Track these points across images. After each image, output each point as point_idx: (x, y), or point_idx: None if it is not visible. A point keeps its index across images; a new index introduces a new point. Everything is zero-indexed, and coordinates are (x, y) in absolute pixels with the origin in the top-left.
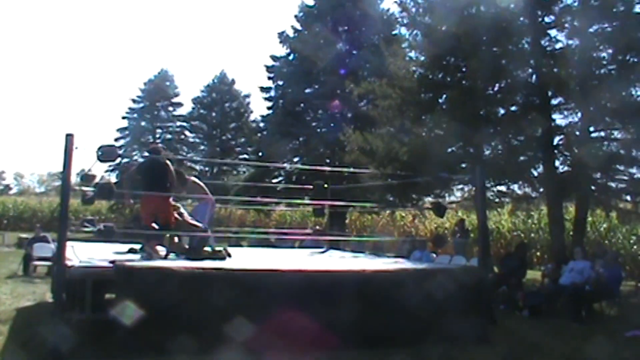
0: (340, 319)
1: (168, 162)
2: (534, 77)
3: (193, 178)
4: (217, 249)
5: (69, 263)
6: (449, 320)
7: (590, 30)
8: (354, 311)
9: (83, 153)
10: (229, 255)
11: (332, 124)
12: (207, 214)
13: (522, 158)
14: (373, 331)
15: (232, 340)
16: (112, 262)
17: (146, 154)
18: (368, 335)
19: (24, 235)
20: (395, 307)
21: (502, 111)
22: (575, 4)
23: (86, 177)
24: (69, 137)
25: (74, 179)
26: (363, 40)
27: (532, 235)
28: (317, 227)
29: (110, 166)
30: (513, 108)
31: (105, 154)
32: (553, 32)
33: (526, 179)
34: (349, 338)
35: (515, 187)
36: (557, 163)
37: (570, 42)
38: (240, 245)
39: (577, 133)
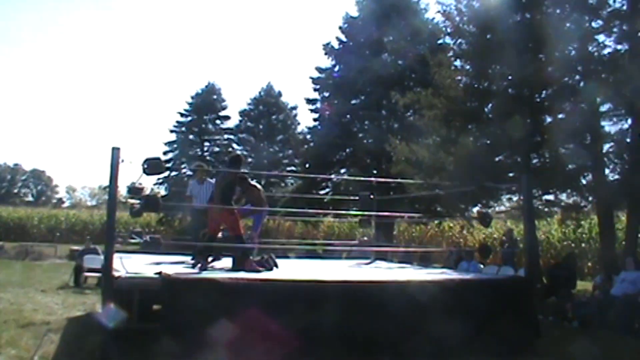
0: (384, 329)
1: (243, 175)
2: (581, 83)
3: (256, 185)
4: (256, 258)
5: (116, 274)
6: (494, 331)
7: None
8: (397, 321)
9: (130, 166)
10: (276, 266)
11: (378, 135)
12: (260, 224)
13: (570, 166)
14: (418, 341)
15: (276, 349)
16: (157, 273)
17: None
18: (412, 345)
19: (75, 247)
20: (441, 317)
21: (549, 119)
22: (624, 7)
23: (133, 190)
24: (116, 151)
25: (122, 191)
26: (408, 50)
27: (583, 245)
28: (365, 238)
29: (159, 179)
30: (561, 116)
31: (151, 167)
32: (601, 37)
33: (575, 187)
34: (393, 348)
35: (563, 196)
36: (606, 171)
37: (619, 47)
38: (287, 257)
39: (628, 140)
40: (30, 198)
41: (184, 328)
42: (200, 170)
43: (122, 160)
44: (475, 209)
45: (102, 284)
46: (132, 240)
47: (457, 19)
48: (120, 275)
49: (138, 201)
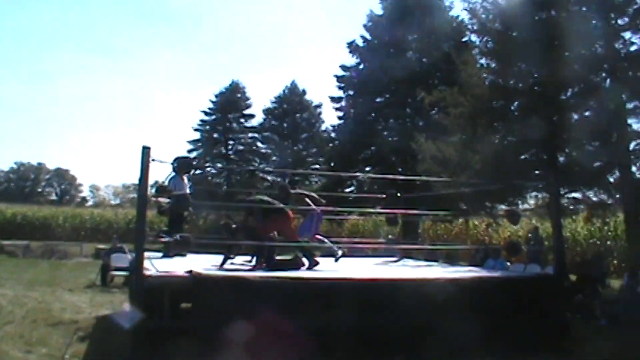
0: (413, 326)
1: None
2: (607, 81)
3: (299, 190)
4: (287, 258)
5: (146, 272)
6: (523, 329)
7: None
8: (424, 319)
9: (157, 165)
10: (311, 264)
11: (403, 133)
12: (312, 227)
13: (597, 164)
14: (444, 338)
15: (307, 347)
16: (188, 271)
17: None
18: (438, 342)
19: (101, 246)
20: (471, 315)
21: (575, 117)
22: None
23: (161, 189)
24: (146, 150)
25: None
26: (433, 48)
27: (609, 242)
28: (390, 237)
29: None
30: (587, 113)
31: (181, 165)
32: (627, 35)
33: (602, 185)
34: (422, 344)
35: (590, 193)
36: (633, 168)
37: None
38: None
39: None
40: (54, 197)
41: (214, 326)
42: (183, 165)
43: (153, 160)
44: (501, 207)
45: (130, 282)
46: (162, 239)
47: (483, 16)
48: (150, 274)
49: (167, 200)
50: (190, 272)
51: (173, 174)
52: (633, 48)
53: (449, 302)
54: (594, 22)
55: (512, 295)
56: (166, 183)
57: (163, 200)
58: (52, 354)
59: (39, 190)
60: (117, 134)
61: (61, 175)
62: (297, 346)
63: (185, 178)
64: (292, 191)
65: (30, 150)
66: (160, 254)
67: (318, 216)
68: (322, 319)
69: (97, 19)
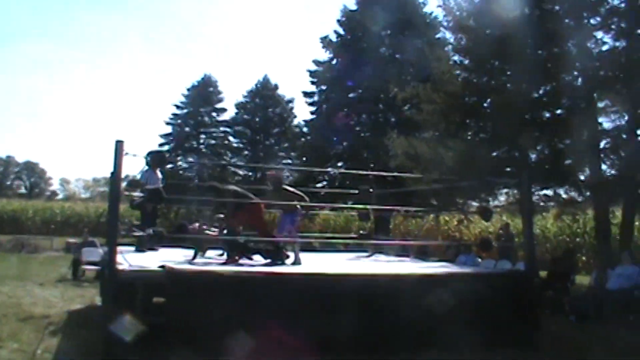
0: (385, 321)
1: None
2: (579, 80)
3: (290, 188)
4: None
5: (119, 267)
6: (494, 324)
7: (638, 31)
8: (397, 314)
9: (130, 158)
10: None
11: (376, 129)
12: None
13: (567, 162)
14: (415, 332)
15: (281, 342)
16: (162, 266)
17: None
18: (409, 340)
19: (72, 240)
20: (442, 310)
21: (547, 115)
22: (622, 5)
23: (133, 183)
24: (119, 144)
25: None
26: (406, 44)
27: (578, 239)
28: (362, 232)
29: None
30: (559, 111)
31: (154, 159)
32: (599, 34)
33: (572, 182)
34: (394, 339)
35: (561, 191)
36: (603, 167)
37: (617, 43)
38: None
39: (624, 136)
40: (23, 190)
41: (188, 321)
42: (156, 159)
43: (126, 153)
44: (473, 203)
45: (101, 277)
46: (134, 234)
47: (457, 13)
48: (123, 268)
49: (140, 194)
50: (163, 267)
51: (146, 167)
52: (605, 48)
53: (421, 297)
54: (566, 21)
55: (483, 291)
56: (138, 177)
57: (135, 194)
58: (24, 349)
59: (8, 183)
60: (87, 128)
61: (30, 168)
62: (270, 340)
63: (158, 172)
64: (285, 186)
65: None
66: (134, 248)
67: (301, 215)
68: (295, 314)
69: (69, 10)
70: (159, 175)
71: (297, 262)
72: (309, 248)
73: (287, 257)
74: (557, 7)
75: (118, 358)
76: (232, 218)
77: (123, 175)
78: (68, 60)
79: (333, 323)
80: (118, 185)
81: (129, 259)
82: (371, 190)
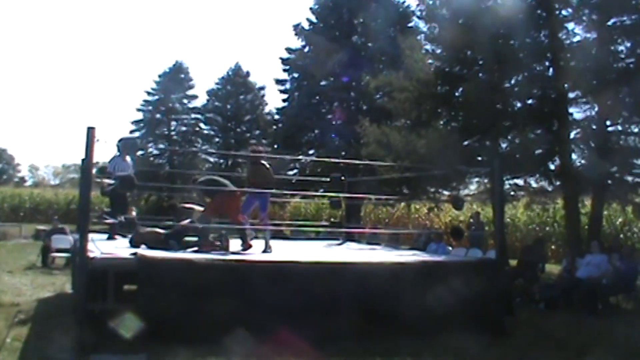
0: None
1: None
2: (550, 70)
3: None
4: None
5: (91, 254)
6: (467, 312)
7: (609, 23)
8: (367, 303)
9: (101, 145)
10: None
11: (347, 117)
12: (252, 206)
13: (538, 151)
14: (389, 322)
15: (254, 330)
16: (133, 253)
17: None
18: (384, 328)
19: (41, 227)
20: (413, 299)
21: (518, 104)
22: None
23: (104, 170)
24: (91, 130)
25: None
26: (379, 32)
27: (547, 228)
28: (332, 220)
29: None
30: (530, 101)
31: (125, 145)
32: (570, 26)
33: (542, 172)
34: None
35: (531, 180)
36: (573, 157)
37: (587, 35)
38: (256, 237)
39: (594, 127)
40: None
41: (160, 308)
42: (128, 146)
43: (98, 140)
44: (444, 192)
45: (72, 264)
46: (105, 221)
47: (430, 2)
48: (95, 256)
49: (112, 181)
50: (135, 254)
51: (118, 154)
52: (576, 39)
53: (393, 285)
54: (538, 11)
55: (455, 279)
56: (107, 164)
57: (107, 181)
58: None
59: None
60: (57, 114)
61: None
62: (243, 326)
63: (128, 159)
64: (263, 162)
65: None
66: (106, 236)
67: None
68: (269, 300)
69: None
70: (129, 161)
71: (267, 249)
72: (280, 235)
73: (250, 247)
74: None
75: (89, 346)
76: (211, 205)
77: (94, 162)
78: (37, 44)
79: (305, 311)
80: (90, 172)
81: (100, 246)
82: (343, 178)
